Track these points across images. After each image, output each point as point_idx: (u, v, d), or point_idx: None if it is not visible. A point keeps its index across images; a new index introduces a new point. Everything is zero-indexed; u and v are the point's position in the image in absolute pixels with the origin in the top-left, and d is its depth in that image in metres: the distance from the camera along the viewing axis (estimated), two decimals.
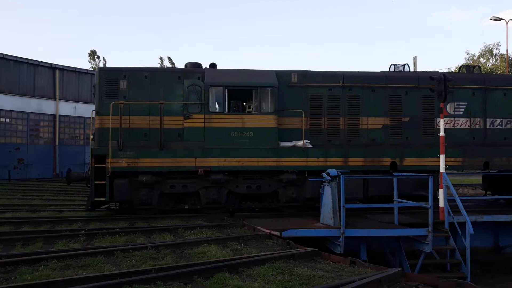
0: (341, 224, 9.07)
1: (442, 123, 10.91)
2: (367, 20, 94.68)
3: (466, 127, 12.69)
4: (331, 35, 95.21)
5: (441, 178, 10.36)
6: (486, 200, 13.46)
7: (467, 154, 12.20)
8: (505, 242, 11.98)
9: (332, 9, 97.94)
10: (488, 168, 12.47)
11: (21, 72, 25.05)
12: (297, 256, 7.23)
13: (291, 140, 11.97)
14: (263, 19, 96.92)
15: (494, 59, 44.95)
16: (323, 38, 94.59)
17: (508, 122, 12.80)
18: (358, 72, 12.90)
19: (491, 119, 12.81)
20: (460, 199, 10.16)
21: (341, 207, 9.09)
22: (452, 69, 41.67)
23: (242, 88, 11.97)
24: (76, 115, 27.78)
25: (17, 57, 24.82)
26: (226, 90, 11.79)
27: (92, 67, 40.28)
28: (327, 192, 9.73)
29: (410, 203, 10.49)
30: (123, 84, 11.79)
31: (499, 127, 12.86)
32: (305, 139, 11.90)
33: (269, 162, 11.70)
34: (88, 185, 11.64)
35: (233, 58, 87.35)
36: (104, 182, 11.22)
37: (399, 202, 10.33)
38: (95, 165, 11.28)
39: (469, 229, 9.69)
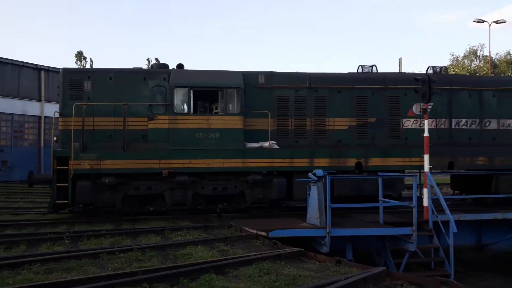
0: (327, 224, 9.14)
1: (426, 124, 11.08)
2: (353, 21, 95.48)
3: (432, 127, 12.64)
4: (321, 35, 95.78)
5: (426, 177, 10.51)
6: (453, 199, 13.44)
7: (433, 154, 12.08)
8: (487, 240, 12.23)
9: (322, 9, 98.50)
10: (453, 167, 12.60)
11: (5, 73, 24.63)
12: (284, 256, 7.27)
13: (257, 141, 11.94)
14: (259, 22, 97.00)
15: (478, 61, 45.66)
16: (313, 39, 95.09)
17: (473, 123, 12.96)
18: (325, 73, 12.97)
19: (457, 119, 12.97)
20: (433, 199, 10.30)
21: (327, 207, 9.16)
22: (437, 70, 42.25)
23: (208, 89, 11.87)
24: None
25: (0, 58, 24.42)
26: (192, 91, 11.72)
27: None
28: (313, 192, 9.78)
29: (395, 202, 10.64)
30: (87, 85, 11.67)
31: (464, 127, 13.01)
32: (272, 140, 11.90)
33: (235, 163, 11.67)
34: (51, 187, 11.44)
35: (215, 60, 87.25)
36: (66, 184, 11.04)
37: (384, 201, 10.44)
38: (58, 167, 11.13)
39: (453, 227, 9.86)
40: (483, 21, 32.57)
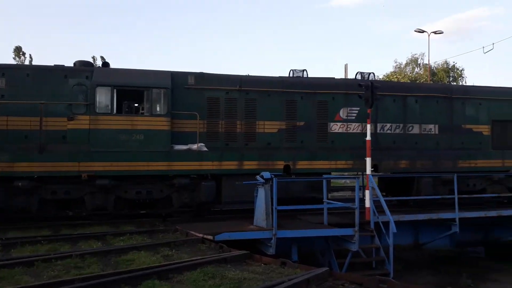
0: (273, 225, 9.22)
1: (368, 128, 11.50)
2: (300, 28, 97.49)
3: (358, 131, 13.00)
4: (268, 42, 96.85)
5: (367, 179, 10.91)
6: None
7: (358, 157, 12.44)
8: (424, 239, 12.87)
9: (272, 15, 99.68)
10: (378, 170, 12.96)
11: None
12: (229, 259, 7.24)
13: (186, 143, 11.67)
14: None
15: (418, 68, 48.15)
16: (258, 47, 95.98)
17: (397, 127, 13.38)
18: (255, 76, 13.02)
19: (382, 124, 13.30)
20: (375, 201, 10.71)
21: (273, 209, 9.24)
22: (381, 77, 44.12)
23: (133, 89, 11.45)
24: None
25: None
26: (115, 90, 11.24)
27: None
28: (261, 195, 9.82)
29: (339, 204, 10.96)
30: (1, 82, 10.92)
31: (388, 131, 13.41)
32: (202, 142, 11.71)
33: (161, 166, 11.33)
34: None
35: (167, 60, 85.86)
36: None
37: (328, 203, 10.72)
38: None
39: (392, 228, 10.29)
40: (423, 31, 34.46)
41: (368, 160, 11.21)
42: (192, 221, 11.18)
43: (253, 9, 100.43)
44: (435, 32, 34.61)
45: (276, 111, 12.58)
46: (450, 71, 46.05)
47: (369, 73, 13.76)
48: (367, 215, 10.68)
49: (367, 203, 10.75)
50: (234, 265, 7.06)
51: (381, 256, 10.32)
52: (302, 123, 12.72)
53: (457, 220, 11.73)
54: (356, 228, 9.68)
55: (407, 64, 48.50)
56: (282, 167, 12.18)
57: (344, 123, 13.01)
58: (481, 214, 12.48)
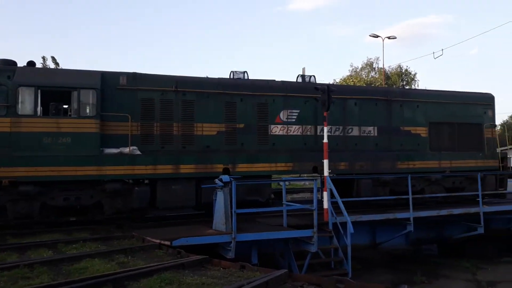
0: (233, 229, 9.15)
1: (325, 130, 11.67)
2: (259, 32, 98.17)
3: (298, 133, 13.03)
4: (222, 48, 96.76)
5: (325, 181, 11.06)
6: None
7: (298, 160, 12.60)
8: (381, 239, 13.23)
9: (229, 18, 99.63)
10: (317, 172, 13.06)
11: None
12: (187, 265, 7.09)
13: (117, 147, 11.17)
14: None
15: (374, 72, 49.68)
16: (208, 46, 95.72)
17: (337, 129, 13.48)
18: (193, 77, 12.61)
19: (321, 126, 13.18)
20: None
21: (232, 212, 9.17)
22: (338, 80, 45.15)
23: (60, 89, 10.84)
24: None
25: None
26: (39, 91, 10.61)
27: None
28: (220, 198, 9.74)
29: (298, 205, 11.05)
30: None
31: (328, 134, 13.22)
32: (135, 145, 11.27)
33: (90, 170, 10.75)
34: None
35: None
36: None
37: (288, 205, 10.78)
38: None
39: (350, 228, 10.49)
40: (377, 36, 35.53)
41: (326, 162, 11.38)
42: (149, 227, 10.90)
43: (210, 11, 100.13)
44: (389, 37, 35.79)
45: (215, 113, 12.30)
46: (403, 75, 47.82)
47: (310, 76, 13.87)
48: (326, 216, 10.83)
49: (325, 204, 10.89)
50: (192, 270, 6.93)
51: (340, 256, 10.48)
52: (242, 125, 12.52)
53: (411, 219, 12.12)
54: (315, 229, 9.78)
55: (362, 68, 50.03)
56: (221, 170, 11.85)
57: (284, 126, 12.95)
58: (434, 213, 12.97)
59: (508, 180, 15.73)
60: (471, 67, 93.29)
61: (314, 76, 13.96)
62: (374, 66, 49.86)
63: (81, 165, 10.66)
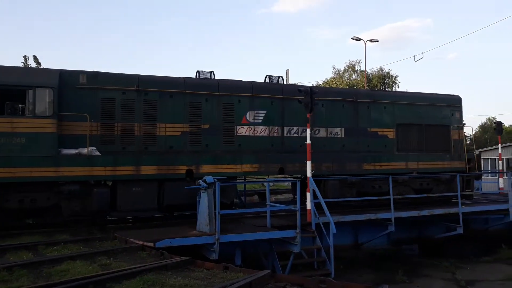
0: (216, 230, 9.15)
1: (308, 132, 11.75)
2: (244, 34, 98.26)
3: (265, 134, 12.90)
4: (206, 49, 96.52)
5: (308, 182, 11.15)
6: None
7: (264, 161, 12.49)
8: (363, 239, 13.39)
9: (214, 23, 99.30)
10: (284, 173, 13.02)
11: None
12: (170, 266, 7.06)
13: (76, 147, 10.84)
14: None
15: (356, 75, 50.16)
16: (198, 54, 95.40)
17: (304, 130, 13.15)
18: (155, 76, 12.32)
19: (288, 127, 13.23)
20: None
21: (216, 213, 9.17)
22: (321, 82, 45.47)
23: (14, 88, 10.41)
24: None
25: None
26: None
27: None
28: (203, 199, 9.72)
29: (281, 206, 11.10)
30: None
31: (295, 135, 13.40)
32: (95, 146, 10.98)
33: (46, 172, 10.37)
34: None
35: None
36: None
37: (271, 206, 10.82)
38: None
39: (332, 228, 10.60)
40: (359, 39, 35.89)
41: (309, 163, 11.46)
42: (132, 228, 10.82)
43: (193, 12, 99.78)
44: (370, 40, 36.13)
45: (179, 113, 12.03)
46: (385, 77, 48.40)
47: (278, 77, 13.84)
48: (308, 217, 10.91)
49: (308, 205, 10.98)
50: (176, 272, 6.90)
51: (323, 256, 10.57)
52: (207, 126, 12.28)
53: (393, 219, 12.29)
54: (298, 230, 9.84)
55: (345, 71, 50.41)
56: (184, 171, 11.65)
57: (251, 126, 12.81)
58: (415, 213, 13.18)
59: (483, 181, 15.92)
60: (449, 70, 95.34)
61: (282, 77, 13.90)
62: (356, 69, 50.37)
63: (36, 166, 10.28)
